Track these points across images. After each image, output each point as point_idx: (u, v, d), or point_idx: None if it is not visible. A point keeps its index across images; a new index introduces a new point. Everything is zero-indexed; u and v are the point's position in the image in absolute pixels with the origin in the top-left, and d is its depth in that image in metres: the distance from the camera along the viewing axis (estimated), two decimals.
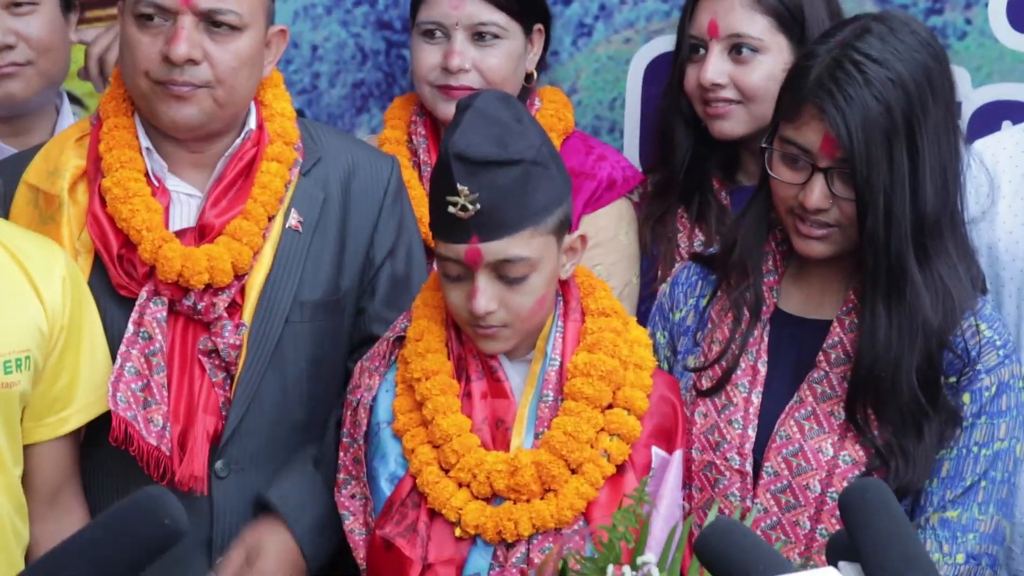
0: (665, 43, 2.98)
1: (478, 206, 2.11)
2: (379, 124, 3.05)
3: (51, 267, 2.22)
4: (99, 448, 2.33)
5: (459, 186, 2.12)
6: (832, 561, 1.11)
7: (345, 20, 3.20)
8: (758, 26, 2.69)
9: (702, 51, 2.73)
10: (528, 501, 2.14)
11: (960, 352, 2.20)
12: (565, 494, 2.14)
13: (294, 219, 2.40)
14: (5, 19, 2.70)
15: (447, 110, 2.71)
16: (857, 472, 2.22)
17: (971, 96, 2.90)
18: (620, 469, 2.18)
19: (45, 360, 2.20)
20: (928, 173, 2.18)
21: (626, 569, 1.93)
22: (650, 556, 1.92)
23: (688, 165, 2.80)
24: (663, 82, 2.90)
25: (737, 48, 2.69)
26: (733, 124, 2.70)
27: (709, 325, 2.37)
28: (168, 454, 2.25)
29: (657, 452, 2.22)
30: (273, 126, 2.41)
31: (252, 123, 2.41)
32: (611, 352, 2.20)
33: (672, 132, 2.82)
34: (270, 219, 2.37)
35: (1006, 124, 2.87)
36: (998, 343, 2.24)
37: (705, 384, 2.32)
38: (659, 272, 2.75)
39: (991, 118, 2.89)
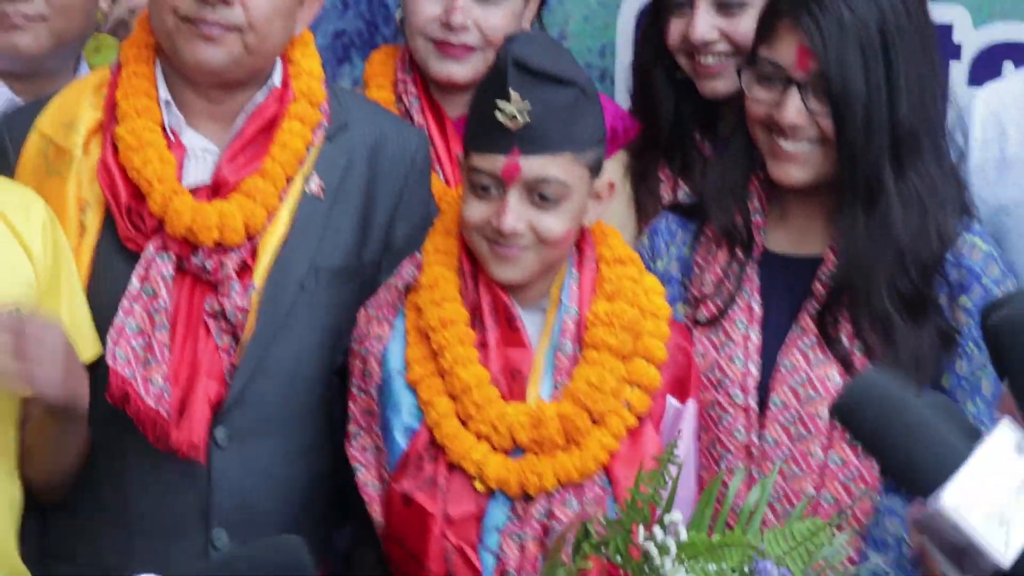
0: None
1: (527, 117, 2.11)
2: (361, 75, 2.96)
3: (30, 214, 2.20)
4: (90, 404, 2.27)
5: (513, 92, 2.12)
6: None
7: None
8: None
9: (685, 5, 2.67)
10: (551, 454, 2.14)
11: (964, 268, 2.26)
12: (588, 446, 2.14)
13: (315, 184, 2.35)
14: None
15: (440, 68, 2.68)
16: None
17: (971, 37, 2.91)
18: (639, 420, 2.19)
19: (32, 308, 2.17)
20: (904, 85, 2.23)
21: (656, 529, 1.94)
22: (678, 515, 1.94)
23: (672, 120, 2.76)
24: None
25: (725, 3, 2.63)
26: (726, 81, 2.63)
27: (696, 270, 2.39)
28: (166, 417, 2.20)
29: (671, 402, 2.23)
30: (299, 84, 2.37)
31: (277, 79, 2.36)
32: (631, 301, 2.21)
33: (654, 89, 2.78)
34: (289, 180, 2.32)
35: (1007, 65, 2.89)
36: (995, 255, 2.30)
37: (701, 319, 2.34)
38: (642, 226, 2.71)
39: (993, 60, 2.91)
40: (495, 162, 2.14)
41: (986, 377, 2.24)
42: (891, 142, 2.23)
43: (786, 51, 2.25)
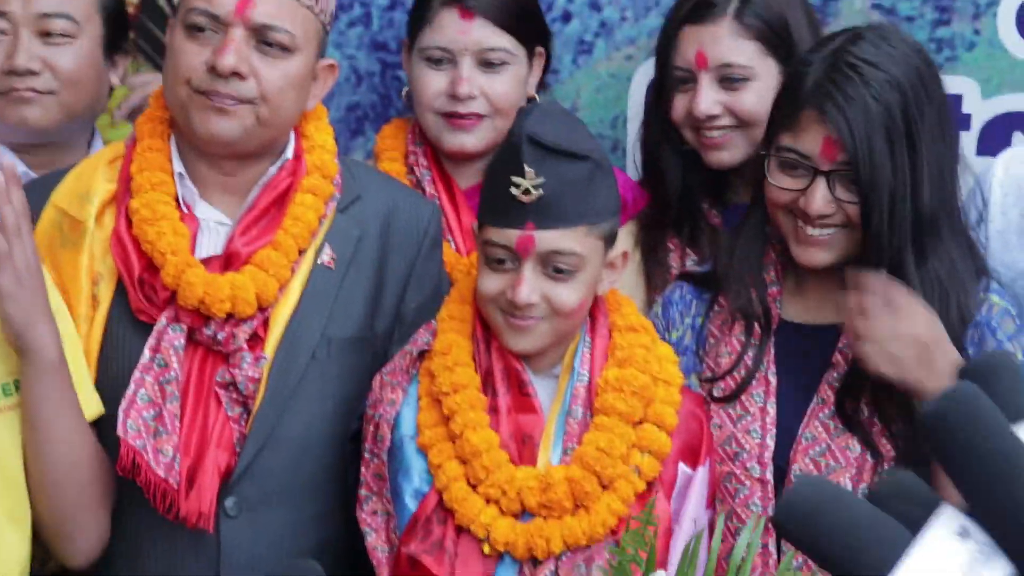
0: None
1: (541, 192, 2.14)
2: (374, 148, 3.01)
3: None
4: None
5: (527, 168, 2.14)
6: None
7: (339, 42, 3.19)
8: (746, 53, 2.66)
9: (690, 82, 2.70)
10: (559, 518, 2.15)
11: (981, 325, 2.27)
12: (597, 510, 2.15)
13: (327, 255, 2.37)
14: (35, 45, 2.69)
15: (452, 140, 2.72)
16: (887, 465, 2.27)
17: (980, 108, 2.92)
18: (649, 486, 2.20)
19: None
20: (927, 171, 2.23)
21: None
22: (661, 573, 1.93)
23: (680, 193, 2.79)
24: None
25: (728, 78, 2.67)
26: (732, 152, 2.68)
27: (711, 340, 2.40)
28: (176, 487, 2.21)
29: (683, 469, 2.24)
30: (312, 158, 2.39)
31: (290, 152, 2.39)
32: (642, 368, 2.22)
33: (661, 163, 2.81)
34: (301, 252, 2.34)
35: (1016, 135, 2.91)
36: (1012, 312, 2.30)
37: (717, 393, 2.35)
38: (651, 295, 2.73)
39: (1001, 130, 2.92)
40: (510, 236, 2.16)
41: None
42: (914, 228, 2.23)
43: (812, 142, 2.24)
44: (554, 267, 2.17)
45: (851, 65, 2.23)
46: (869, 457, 2.26)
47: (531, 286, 2.16)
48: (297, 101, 2.34)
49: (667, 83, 2.74)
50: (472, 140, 2.70)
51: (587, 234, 2.17)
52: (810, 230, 2.26)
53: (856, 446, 2.27)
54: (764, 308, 2.36)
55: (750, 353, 2.34)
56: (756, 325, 2.35)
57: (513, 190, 2.14)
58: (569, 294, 2.18)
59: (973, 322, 2.28)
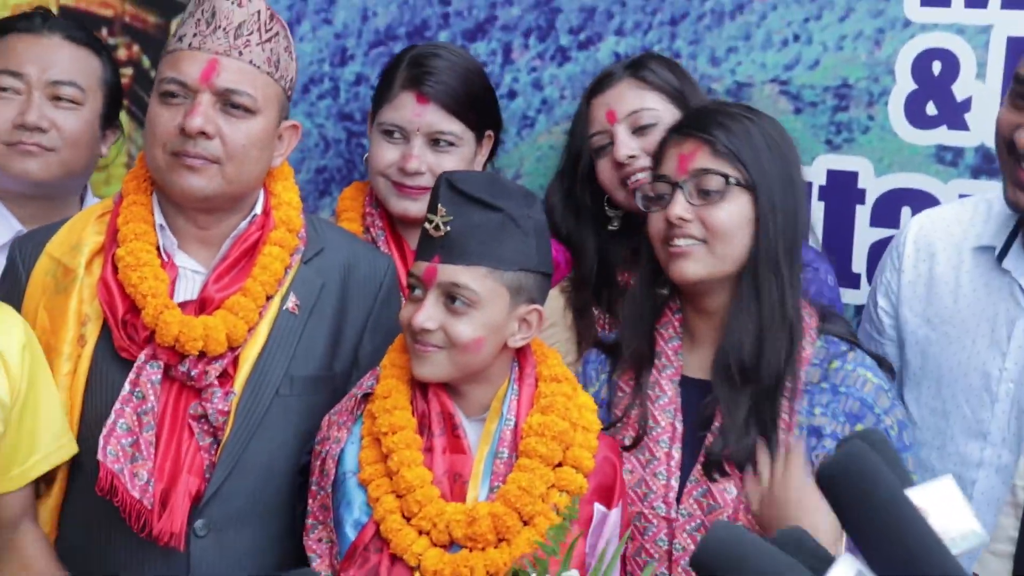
0: None
1: (448, 228, 2.22)
2: None
3: (11, 336, 2.28)
4: (81, 496, 2.39)
5: (440, 206, 2.23)
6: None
7: (310, 111, 3.35)
8: (650, 99, 2.81)
9: (607, 145, 2.84)
10: (483, 549, 2.20)
11: (858, 400, 2.33)
12: (518, 543, 2.20)
13: (292, 302, 2.45)
14: (47, 106, 2.84)
15: (399, 205, 2.84)
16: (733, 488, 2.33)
17: (873, 184, 3.04)
18: None
19: (6, 424, 2.27)
20: (794, 198, 2.35)
21: None
22: (574, 572, 2.00)
23: (597, 264, 2.91)
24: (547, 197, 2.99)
25: (641, 125, 2.80)
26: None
27: (619, 394, 2.48)
28: (149, 508, 2.28)
29: (599, 508, 2.29)
30: (279, 213, 2.48)
31: (259, 208, 2.48)
32: (563, 414, 2.28)
33: (579, 240, 2.92)
34: (268, 299, 2.42)
35: (905, 210, 3.02)
36: (885, 387, 2.39)
37: (627, 441, 2.43)
38: (581, 352, 2.81)
39: (892, 204, 3.04)
40: (420, 267, 2.25)
41: None
42: (784, 238, 2.32)
43: (670, 163, 2.35)
44: (453, 299, 2.22)
45: (716, 108, 2.40)
46: (743, 498, 2.32)
47: (428, 313, 2.23)
48: (260, 159, 2.42)
49: (583, 159, 2.88)
50: (416, 207, 2.82)
51: (487, 276, 2.22)
52: (676, 241, 2.34)
53: (732, 489, 2.34)
54: (650, 351, 2.44)
55: (642, 400, 2.42)
56: (643, 373, 2.43)
57: (427, 225, 2.24)
58: (464, 328, 2.22)
59: (849, 394, 2.33)
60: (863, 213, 3.07)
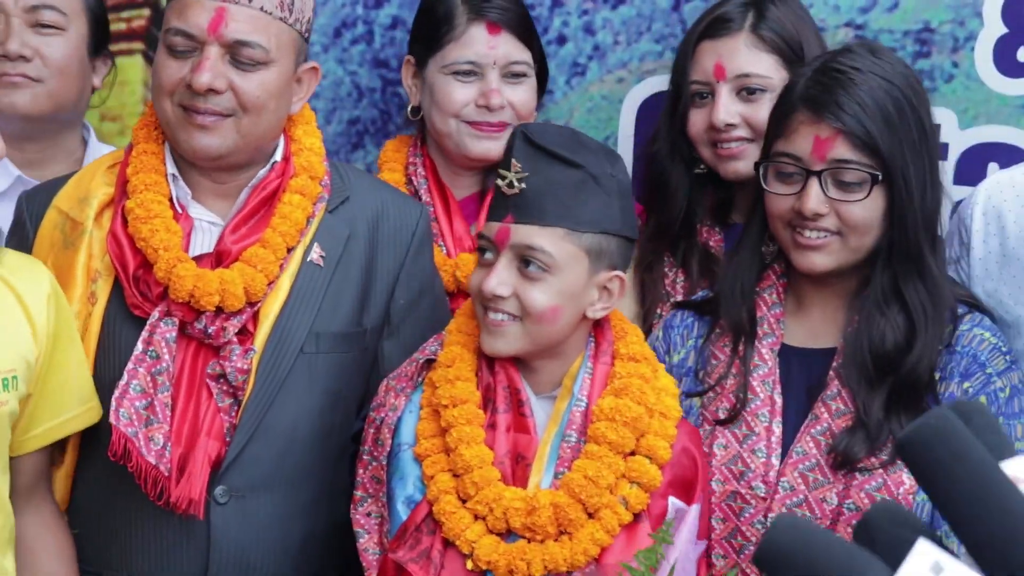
0: (658, 83, 3.03)
1: (523, 185, 2.14)
2: (375, 160, 3.07)
3: (39, 287, 2.25)
4: (95, 462, 2.34)
5: (514, 161, 2.15)
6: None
7: (342, 58, 3.27)
8: (764, 64, 2.72)
9: (707, 95, 2.75)
10: (542, 541, 2.13)
11: (970, 357, 2.27)
12: (580, 538, 2.12)
13: (316, 253, 2.40)
14: (27, 34, 2.76)
15: (480, 146, 2.79)
16: (873, 483, 2.25)
17: (958, 138, 2.96)
18: (636, 517, 2.16)
19: (32, 378, 2.22)
20: (928, 165, 2.27)
21: None
22: None
23: (683, 212, 2.82)
24: (656, 122, 2.93)
25: (747, 89, 2.72)
26: (747, 163, 2.67)
27: (713, 362, 2.40)
28: (167, 474, 2.24)
29: (674, 502, 2.20)
30: (300, 160, 2.43)
31: (279, 155, 2.43)
32: (638, 399, 2.19)
33: (669, 178, 2.83)
34: (290, 250, 2.38)
35: (992, 166, 2.93)
36: (1004, 349, 2.31)
37: (722, 415, 2.34)
38: (646, 316, 2.75)
39: (977, 160, 2.96)
40: (491, 227, 2.17)
41: None
42: (924, 218, 2.26)
43: (802, 143, 2.26)
44: (528, 263, 2.14)
45: (839, 70, 2.27)
46: (857, 474, 2.25)
47: (501, 278, 2.15)
48: (277, 109, 2.37)
49: (683, 99, 2.77)
50: (498, 146, 2.72)
51: (564, 238, 2.14)
52: (807, 233, 2.27)
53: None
54: (751, 321, 2.37)
55: (738, 367, 2.35)
56: (742, 344, 2.36)
57: (500, 182, 2.16)
58: (539, 295, 2.15)
59: (952, 350, 2.28)
60: (946, 170, 2.93)
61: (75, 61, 2.82)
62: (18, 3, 2.77)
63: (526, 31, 2.80)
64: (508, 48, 2.76)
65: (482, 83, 2.76)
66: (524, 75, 2.78)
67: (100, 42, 2.89)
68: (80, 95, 2.87)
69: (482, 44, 2.76)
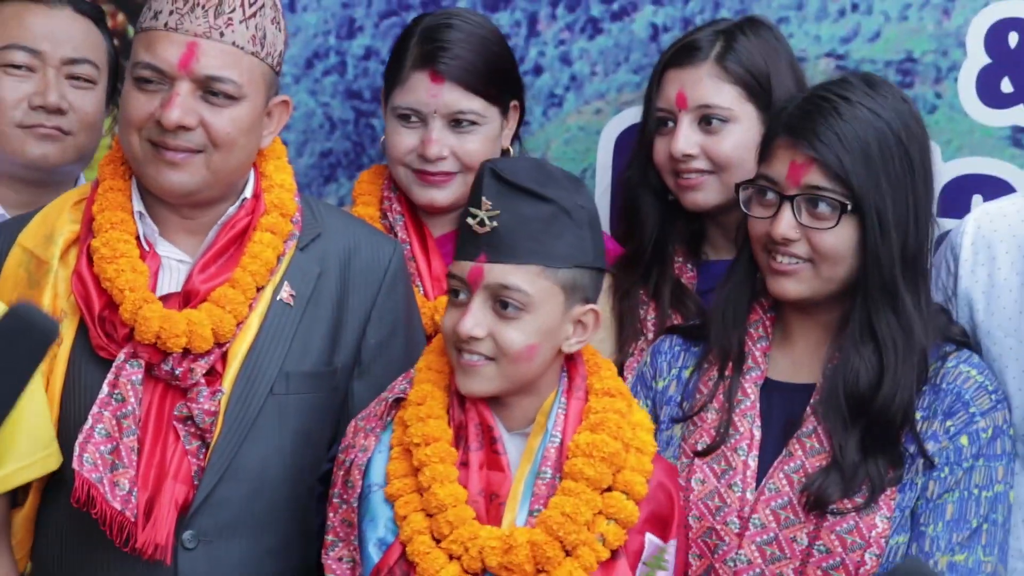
0: (636, 114, 3.00)
1: (495, 223, 2.13)
2: (347, 193, 3.06)
3: None
4: (58, 507, 2.30)
5: (484, 199, 2.14)
6: None
7: (314, 89, 3.26)
8: (726, 96, 2.70)
9: (671, 123, 2.73)
10: None
11: (954, 394, 2.27)
12: None
13: (286, 292, 2.37)
14: (64, 86, 2.79)
15: (424, 195, 2.76)
16: (845, 525, 2.24)
17: (941, 170, 2.86)
18: (613, 554, 2.15)
19: None
20: (910, 206, 2.27)
21: None
22: None
23: (655, 239, 2.80)
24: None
25: (707, 119, 2.70)
26: (706, 194, 2.70)
27: (697, 395, 2.39)
28: (132, 519, 2.21)
29: (652, 539, 2.19)
30: (271, 197, 2.40)
31: (248, 191, 2.40)
32: (615, 434, 2.18)
33: (640, 205, 2.82)
34: (260, 289, 2.35)
35: (976, 198, 2.92)
36: (990, 388, 2.31)
37: (700, 448, 2.33)
38: (622, 346, 2.73)
39: (961, 192, 2.94)
40: (464, 267, 2.15)
41: (951, 501, 2.24)
42: (900, 254, 2.26)
43: (779, 166, 2.28)
44: (502, 303, 2.13)
45: (826, 99, 2.27)
46: (828, 515, 2.24)
47: (476, 319, 2.13)
48: (248, 145, 2.35)
49: (649, 127, 2.77)
50: (442, 195, 2.73)
51: (540, 275, 2.13)
52: (780, 258, 2.28)
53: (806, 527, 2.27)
54: (741, 355, 2.36)
55: (721, 397, 2.34)
56: (728, 372, 2.35)
57: (470, 220, 2.14)
58: (515, 335, 2.14)
59: (936, 387, 2.28)
60: None
61: (101, 114, 2.86)
62: (56, 54, 2.79)
63: (478, 80, 2.74)
64: (452, 97, 2.71)
65: (424, 131, 2.73)
66: (474, 124, 2.73)
67: (114, 92, 2.90)
68: (97, 145, 2.89)
69: (423, 92, 2.72)
